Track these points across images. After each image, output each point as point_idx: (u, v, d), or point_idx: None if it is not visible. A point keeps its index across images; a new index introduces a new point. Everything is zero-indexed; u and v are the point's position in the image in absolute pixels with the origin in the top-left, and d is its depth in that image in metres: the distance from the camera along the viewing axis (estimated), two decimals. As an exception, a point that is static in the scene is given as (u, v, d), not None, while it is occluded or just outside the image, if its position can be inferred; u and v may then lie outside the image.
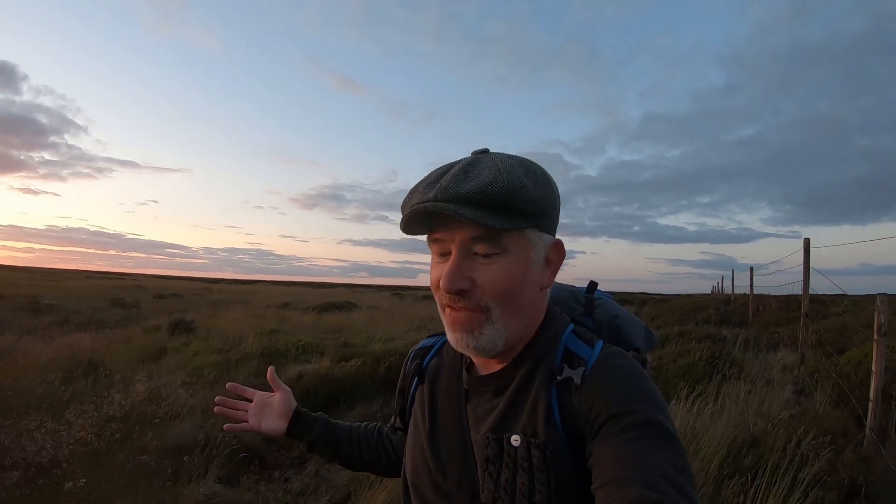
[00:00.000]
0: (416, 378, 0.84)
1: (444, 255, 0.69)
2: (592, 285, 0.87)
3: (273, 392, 0.97)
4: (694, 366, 4.25)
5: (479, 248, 0.65)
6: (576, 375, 0.66)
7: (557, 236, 0.73)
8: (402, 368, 0.89)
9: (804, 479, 2.18)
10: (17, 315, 14.60)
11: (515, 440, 0.66)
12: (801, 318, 5.19)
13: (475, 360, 0.76)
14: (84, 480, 2.93)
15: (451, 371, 0.80)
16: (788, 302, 11.40)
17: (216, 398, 0.97)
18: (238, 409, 0.97)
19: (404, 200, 0.69)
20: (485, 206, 0.63)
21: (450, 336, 0.70)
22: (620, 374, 0.65)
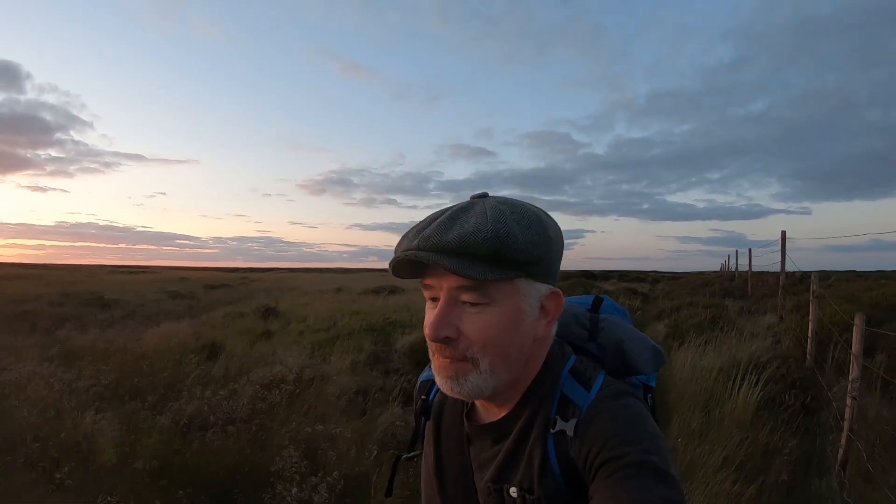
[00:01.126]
0: (423, 415, 0.83)
1: (434, 300, 0.68)
2: (597, 302, 0.83)
3: None
4: (700, 324, 5.84)
5: (466, 298, 0.64)
6: (568, 428, 0.65)
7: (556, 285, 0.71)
8: (414, 398, 0.87)
9: (764, 378, 3.75)
10: (87, 310, 15.37)
11: (513, 492, 0.66)
12: (780, 290, 6.73)
13: (476, 402, 0.75)
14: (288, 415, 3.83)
15: (452, 412, 0.79)
16: (791, 274, 12.91)
17: None
18: None
19: (396, 245, 0.68)
20: (467, 256, 0.61)
21: (437, 380, 0.69)
22: (612, 419, 0.63)
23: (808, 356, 4.26)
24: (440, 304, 0.66)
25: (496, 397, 0.70)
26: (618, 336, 0.77)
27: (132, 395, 4.95)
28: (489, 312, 0.64)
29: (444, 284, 0.65)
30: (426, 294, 0.69)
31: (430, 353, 0.70)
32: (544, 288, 0.68)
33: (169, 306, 16.29)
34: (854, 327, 2.91)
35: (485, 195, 0.69)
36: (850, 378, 2.86)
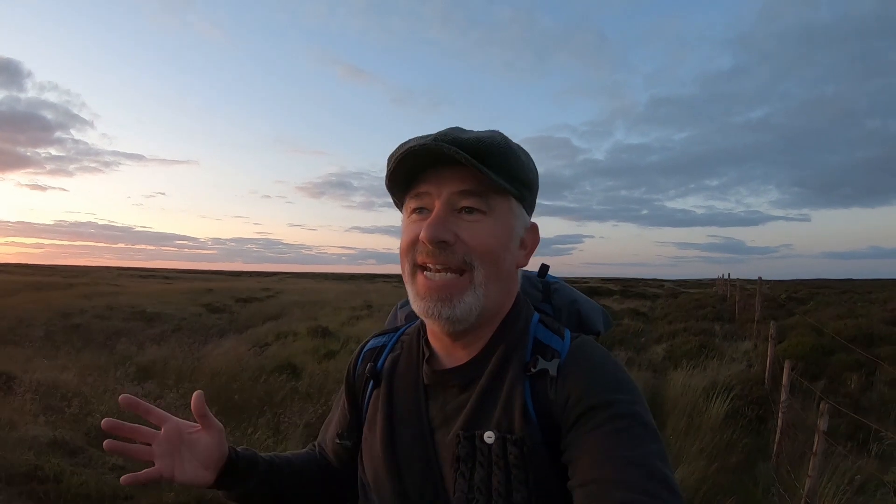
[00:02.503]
0: (371, 381, 0.78)
1: (421, 210, 0.67)
2: (544, 269, 0.85)
3: (196, 426, 0.73)
4: (690, 351, 7.48)
5: (466, 202, 0.65)
6: (551, 367, 0.65)
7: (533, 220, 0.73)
8: (349, 372, 0.82)
9: (732, 395, 5.39)
10: (134, 324, 15.55)
11: (489, 437, 0.64)
12: (754, 325, 8.37)
13: (438, 345, 0.73)
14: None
15: (407, 368, 0.76)
16: (773, 298, 14.59)
17: (103, 422, 0.67)
18: (136, 440, 0.71)
19: (393, 152, 0.66)
20: (482, 156, 0.62)
21: (419, 305, 0.67)
22: (595, 365, 0.64)
23: (766, 380, 5.89)
24: (437, 208, 0.65)
25: (470, 331, 0.68)
26: (571, 297, 0.82)
27: (235, 411, 5.89)
28: (486, 222, 0.65)
29: (443, 190, 0.65)
30: (413, 205, 0.68)
31: (410, 275, 0.68)
32: (527, 218, 0.72)
33: (209, 321, 16.62)
34: (784, 371, 4.54)
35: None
36: (781, 400, 4.50)
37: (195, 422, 0.74)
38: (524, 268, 0.77)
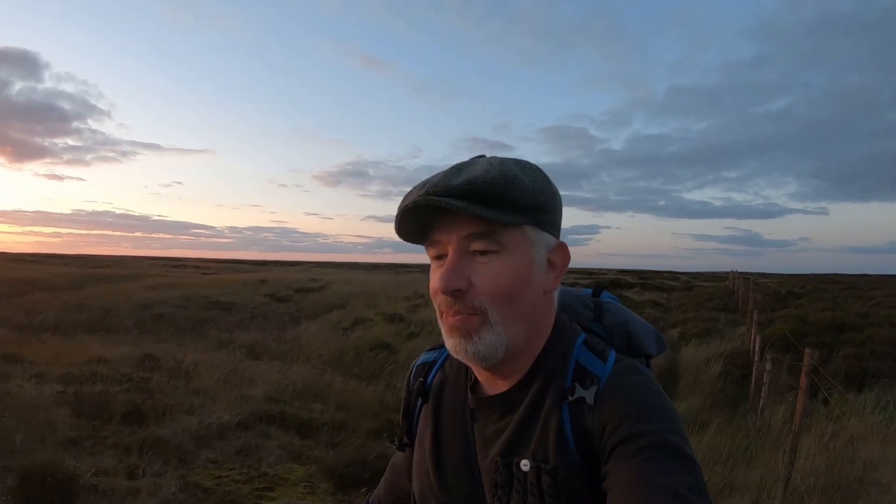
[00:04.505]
0: (420, 398, 0.80)
1: (441, 258, 0.67)
2: (599, 288, 0.84)
3: None
4: (699, 333, 9.92)
5: (477, 246, 0.64)
6: (588, 395, 0.64)
7: (562, 239, 0.71)
8: (406, 385, 0.85)
9: (724, 362, 7.82)
10: (213, 313, 17.15)
11: (525, 465, 0.65)
12: (748, 314, 10.71)
13: (480, 376, 0.73)
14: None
15: (455, 389, 0.77)
16: (775, 292, 16.90)
17: None
18: None
19: (399, 204, 0.66)
20: (476, 198, 0.61)
21: (448, 343, 0.68)
22: (634, 392, 0.63)
23: (750, 353, 8.33)
24: (450, 255, 0.65)
25: (505, 365, 0.68)
26: (623, 318, 0.79)
27: (356, 379, 7.79)
28: (500, 261, 0.64)
29: (453, 237, 0.65)
30: (432, 253, 0.69)
31: (439, 316, 0.69)
32: (551, 239, 0.69)
33: (279, 309, 18.35)
34: (757, 346, 6.97)
35: (482, 156, 0.68)
36: (755, 361, 6.94)
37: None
38: (575, 288, 0.82)
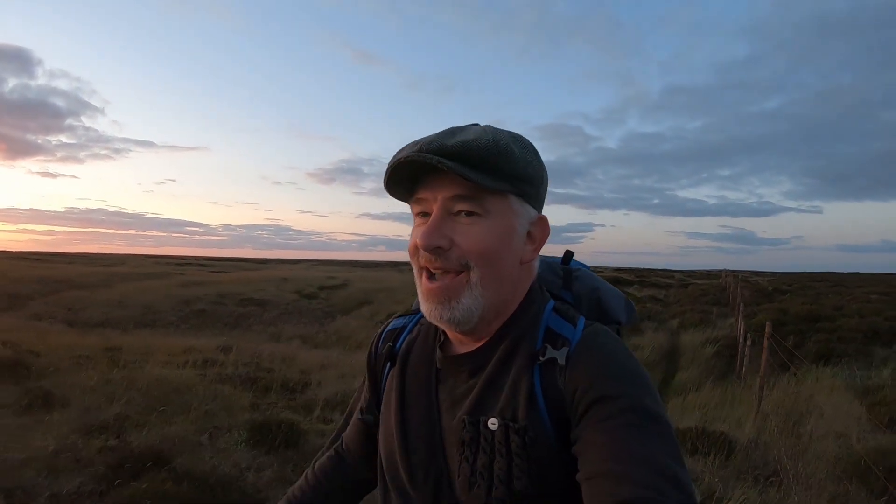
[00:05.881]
0: (388, 362, 0.82)
1: (424, 215, 0.69)
2: (568, 255, 0.85)
3: None
4: (694, 322, 11.69)
5: (461, 206, 0.66)
6: (559, 356, 0.65)
7: (544, 213, 0.73)
8: (371, 351, 0.86)
9: (717, 345, 9.56)
10: (250, 309, 18.14)
11: (493, 423, 0.65)
12: (736, 307, 12.46)
13: (451, 335, 0.75)
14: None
15: (422, 351, 0.79)
16: (763, 289, 18.70)
17: None
18: None
19: (390, 160, 0.67)
20: (468, 161, 0.63)
21: (424, 307, 0.70)
22: (606, 354, 0.64)
23: (738, 337, 10.09)
24: (434, 213, 0.67)
25: (479, 327, 0.69)
26: (592, 285, 0.80)
27: None
28: (483, 224, 0.66)
29: (438, 195, 0.66)
30: (416, 209, 0.70)
31: (417, 277, 0.70)
32: (533, 212, 0.71)
33: (310, 305, 19.47)
34: (742, 331, 8.71)
35: (477, 123, 0.70)
36: (741, 344, 8.69)
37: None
38: (544, 255, 0.82)
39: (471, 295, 0.66)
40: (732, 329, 11.60)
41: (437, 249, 0.66)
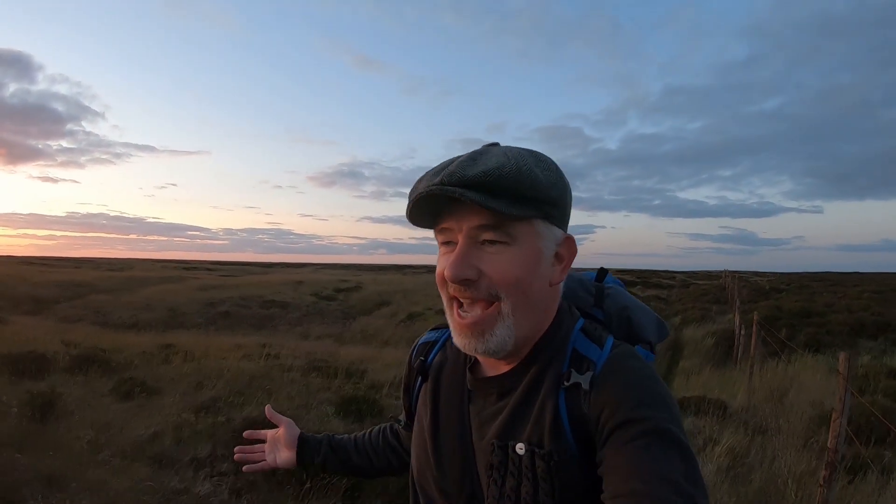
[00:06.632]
0: (420, 376, 0.83)
1: (448, 244, 0.69)
2: (602, 272, 0.85)
3: (278, 428, 1.02)
4: (696, 318, 12.73)
5: (487, 236, 0.65)
6: (584, 381, 0.65)
7: (569, 232, 0.72)
8: (407, 363, 0.88)
9: (716, 337, 10.61)
10: (273, 311, 18.64)
11: (520, 448, 0.66)
12: (734, 304, 13.49)
13: (481, 358, 0.75)
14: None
15: (454, 369, 0.79)
16: (760, 288, 19.75)
17: (235, 449, 1.04)
18: (255, 452, 1.03)
19: (411, 189, 0.67)
20: (491, 190, 0.62)
21: (457, 340, 0.70)
22: (630, 378, 0.64)
23: (735, 329, 11.14)
24: (460, 244, 0.66)
25: (511, 353, 0.69)
26: (623, 303, 0.80)
27: None
28: (510, 252, 0.65)
29: (463, 225, 0.66)
30: (440, 239, 0.70)
31: (447, 308, 0.70)
32: (559, 232, 0.70)
33: (329, 306, 19.97)
34: (738, 324, 9.76)
35: (496, 144, 0.70)
36: (736, 324, 9.74)
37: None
38: (578, 271, 0.81)
39: (503, 325, 0.67)
40: (730, 324, 12.64)
41: (465, 281, 0.66)
